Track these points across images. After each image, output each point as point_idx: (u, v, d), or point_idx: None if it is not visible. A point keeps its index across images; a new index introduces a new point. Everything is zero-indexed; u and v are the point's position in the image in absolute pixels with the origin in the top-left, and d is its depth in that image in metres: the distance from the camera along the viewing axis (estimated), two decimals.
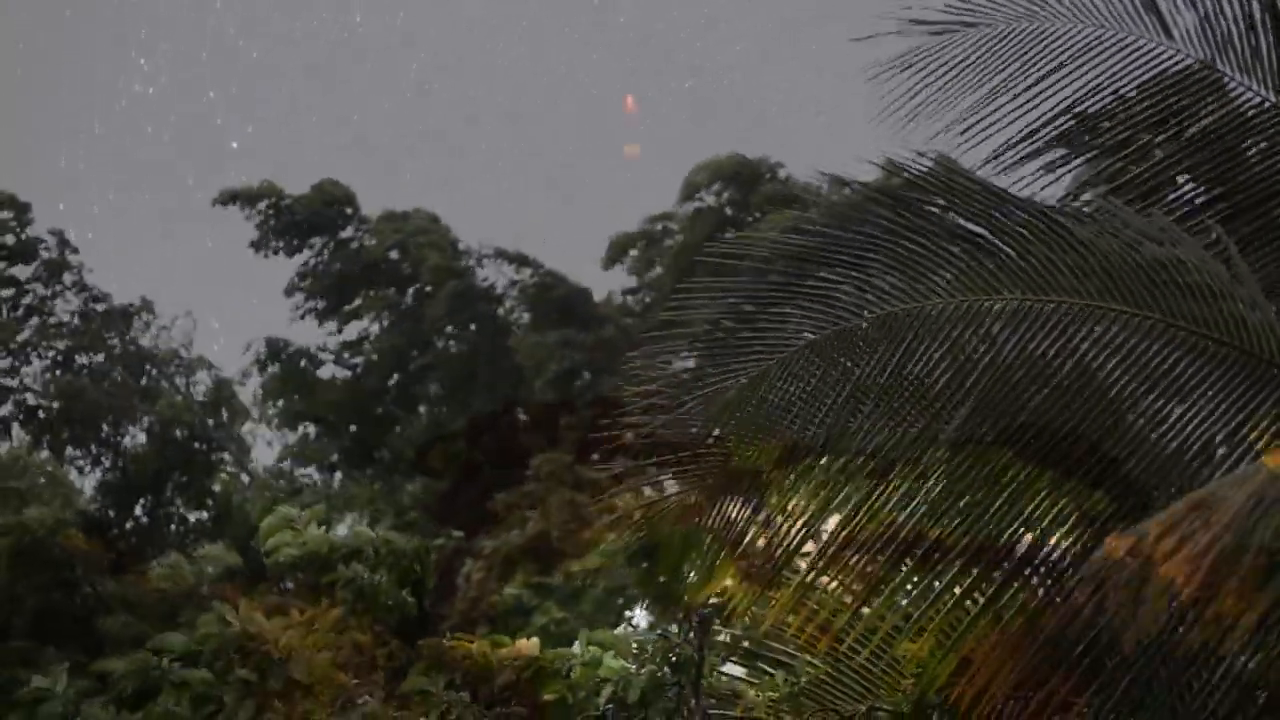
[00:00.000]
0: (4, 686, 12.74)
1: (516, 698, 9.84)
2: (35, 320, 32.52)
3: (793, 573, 5.01)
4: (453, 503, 29.90)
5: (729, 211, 35.69)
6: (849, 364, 4.64)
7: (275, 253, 36.56)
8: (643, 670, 8.61)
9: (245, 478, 33.02)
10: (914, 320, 4.51)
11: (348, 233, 37.24)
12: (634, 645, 9.05)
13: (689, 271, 30.17)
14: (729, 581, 5.37)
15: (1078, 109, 5.37)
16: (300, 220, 36.47)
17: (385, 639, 13.95)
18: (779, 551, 4.98)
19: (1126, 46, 5.35)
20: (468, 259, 36.43)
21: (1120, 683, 4.00)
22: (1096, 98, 5.38)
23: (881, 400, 4.61)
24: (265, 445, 35.96)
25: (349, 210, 37.19)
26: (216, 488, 31.53)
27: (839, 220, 4.83)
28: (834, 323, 4.63)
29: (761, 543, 5.07)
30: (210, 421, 32.50)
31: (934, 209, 4.76)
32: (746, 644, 6.64)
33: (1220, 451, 4.27)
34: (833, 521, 4.84)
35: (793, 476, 4.91)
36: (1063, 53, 5.35)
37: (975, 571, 4.55)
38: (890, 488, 4.66)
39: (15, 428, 30.89)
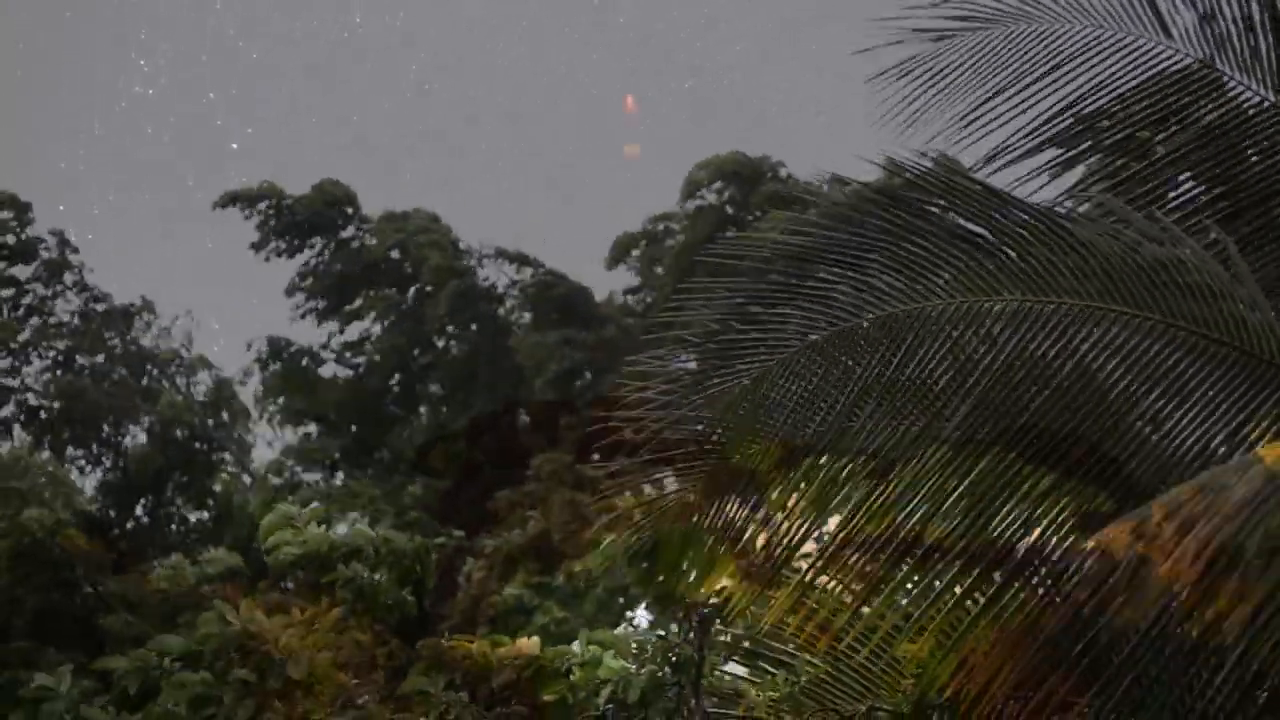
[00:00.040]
0: (6, 687, 12.74)
1: (516, 697, 9.84)
2: (36, 320, 32.53)
3: (793, 572, 5.01)
4: (454, 502, 29.92)
5: (730, 210, 35.70)
6: (850, 363, 4.63)
7: (278, 255, 36.58)
8: (643, 670, 8.61)
9: (246, 478, 33.04)
10: (915, 321, 4.51)
11: (348, 232, 37.25)
12: (634, 645, 9.05)
13: (690, 270, 30.18)
14: (729, 581, 5.37)
15: (1076, 109, 5.38)
16: (301, 220, 36.49)
17: (385, 638, 13.95)
18: (779, 551, 4.98)
19: (1125, 46, 5.36)
20: (469, 259, 36.44)
21: (1122, 682, 4.00)
22: (1095, 98, 5.38)
23: (883, 400, 4.61)
24: (266, 445, 36.00)
25: (350, 210, 37.22)
26: (217, 488, 31.54)
27: (839, 221, 4.82)
28: (835, 323, 4.63)
29: (761, 541, 5.07)
30: (210, 421, 32.50)
31: (934, 209, 4.75)
32: (746, 643, 6.64)
33: (1220, 452, 4.27)
34: (833, 521, 4.84)
35: (793, 476, 4.90)
36: (1061, 53, 5.35)
37: (976, 572, 4.54)
38: (890, 488, 4.66)
39: (16, 428, 30.91)
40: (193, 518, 31.69)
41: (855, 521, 4.72)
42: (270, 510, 13.79)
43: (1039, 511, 4.49)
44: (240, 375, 35.71)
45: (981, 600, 4.52)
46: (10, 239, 32.07)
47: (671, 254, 35.10)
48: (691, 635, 8.00)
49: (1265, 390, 4.21)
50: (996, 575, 4.51)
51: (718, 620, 7.26)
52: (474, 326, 35.81)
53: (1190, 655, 3.90)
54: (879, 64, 5.45)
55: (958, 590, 4.58)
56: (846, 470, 4.75)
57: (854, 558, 4.78)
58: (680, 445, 5.06)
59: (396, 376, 36.54)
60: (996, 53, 5.40)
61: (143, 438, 31.51)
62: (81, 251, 33.01)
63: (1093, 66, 5.35)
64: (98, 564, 16.78)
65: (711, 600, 6.42)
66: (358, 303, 37.00)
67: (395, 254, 36.66)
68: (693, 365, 5.06)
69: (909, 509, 4.62)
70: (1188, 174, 5.26)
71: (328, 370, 37.35)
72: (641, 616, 12.48)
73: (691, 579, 5.39)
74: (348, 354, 37.24)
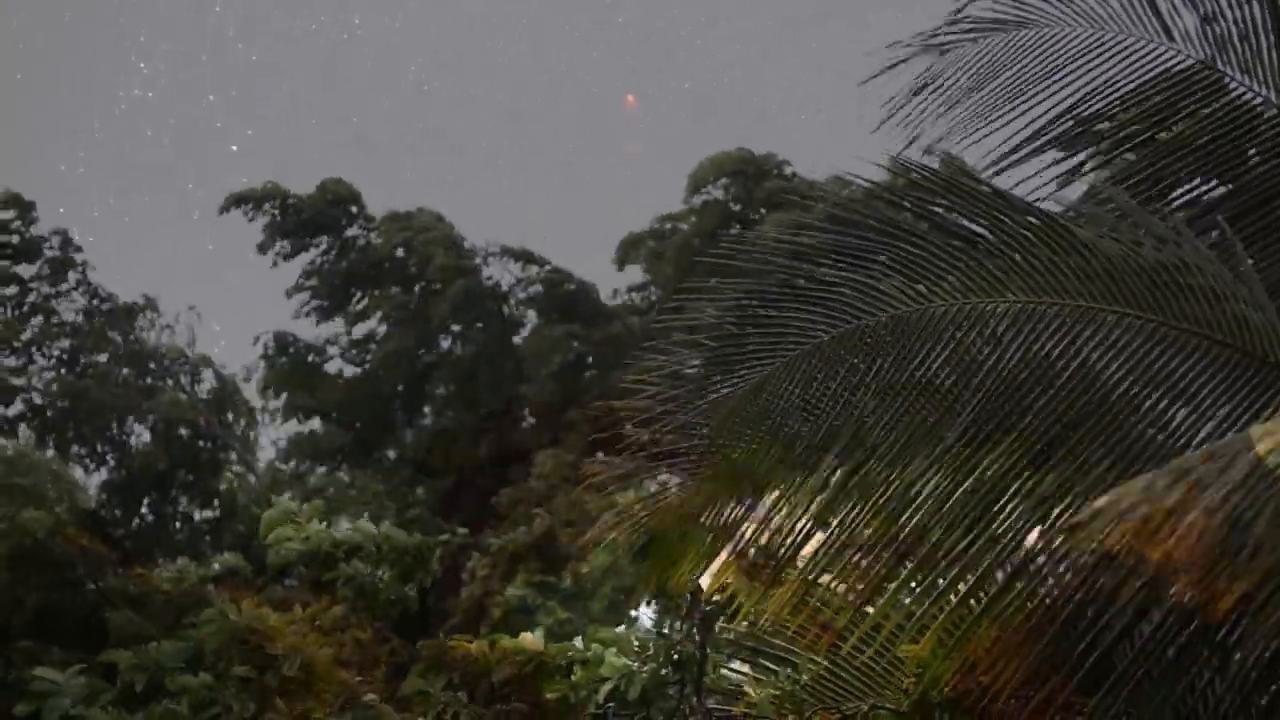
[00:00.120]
0: (12, 685, 12.75)
1: (517, 694, 9.86)
2: (39, 319, 32.56)
3: (794, 571, 5.01)
4: (456, 500, 29.96)
5: (735, 207, 35.70)
6: (856, 362, 4.64)
7: (284, 258, 36.61)
8: (645, 668, 8.62)
9: (252, 478, 33.06)
10: (919, 322, 4.52)
11: (353, 231, 37.28)
12: (636, 643, 9.06)
13: (694, 265, 30.18)
14: (731, 580, 5.37)
15: (1077, 112, 5.38)
16: (306, 220, 36.52)
17: (386, 635, 13.97)
18: (781, 550, 4.98)
19: (1126, 48, 5.36)
20: (474, 257, 36.46)
21: (1125, 685, 3.99)
22: (1096, 100, 5.39)
23: (887, 400, 4.61)
24: (271, 445, 36.05)
25: (354, 209, 37.24)
26: (222, 486, 31.55)
27: (842, 221, 4.83)
28: (839, 325, 4.64)
29: (764, 540, 5.07)
30: (216, 419, 32.52)
31: (938, 209, 4.76)
32: (749, 641, 6.64)
33: None
34: (835, 521, 4.84)
35: (795, 476, 4.90)
36: (1061, 56, 5.36)
37: (978, 571, 4.54)
38: (893, 488, 4.66)
39: (22, 427, 30.94)
40: (197, 516, 31.71)
41: (857, 521, 4.72)
42: (271, 505, 13.81)
43: (1042, 511, 4.49)
44: (244, 373, 35.78)
45: (985, 600, 4.52)
46: (14, 238, 32.08)
47: (675, 246, 35.09)
48: (694, 634, 8.01)
49: (1268, 392, 4.21)
50: (999, 575, 4.51)
51: (720, 619, 7.27)
52: (479, 325, 35.83)
53: (1192, 656, 3.90)
54: (883, 80, 5.48)
55: (961, 588, 4.58)
56: (849, 470, 4.75)
57: (856, 557, 4.78)
58: (683, 446, 5.07)
59: (402, 375, 36.56)
60: (997, 59, 5.41)
61: (147, 436, 31.54)
62: (83, 253, 33.05)
63: (1093, 69, 5.36)
64: (101, 562, 16.79)
65: (714, 599, 6.43)
66: (364, 302, 37.03)
67: (400, 252, 36.69)
68: (697, 363, 5.06)
69: (912, 509, 4.62)
70: (1189, 175, 5.26)
71: (333, 366, 37.43)
72: (645, 615, 12.49)
73: (690, 572, 5.38)
74: (354, 350, 37.29)
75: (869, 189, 4.89)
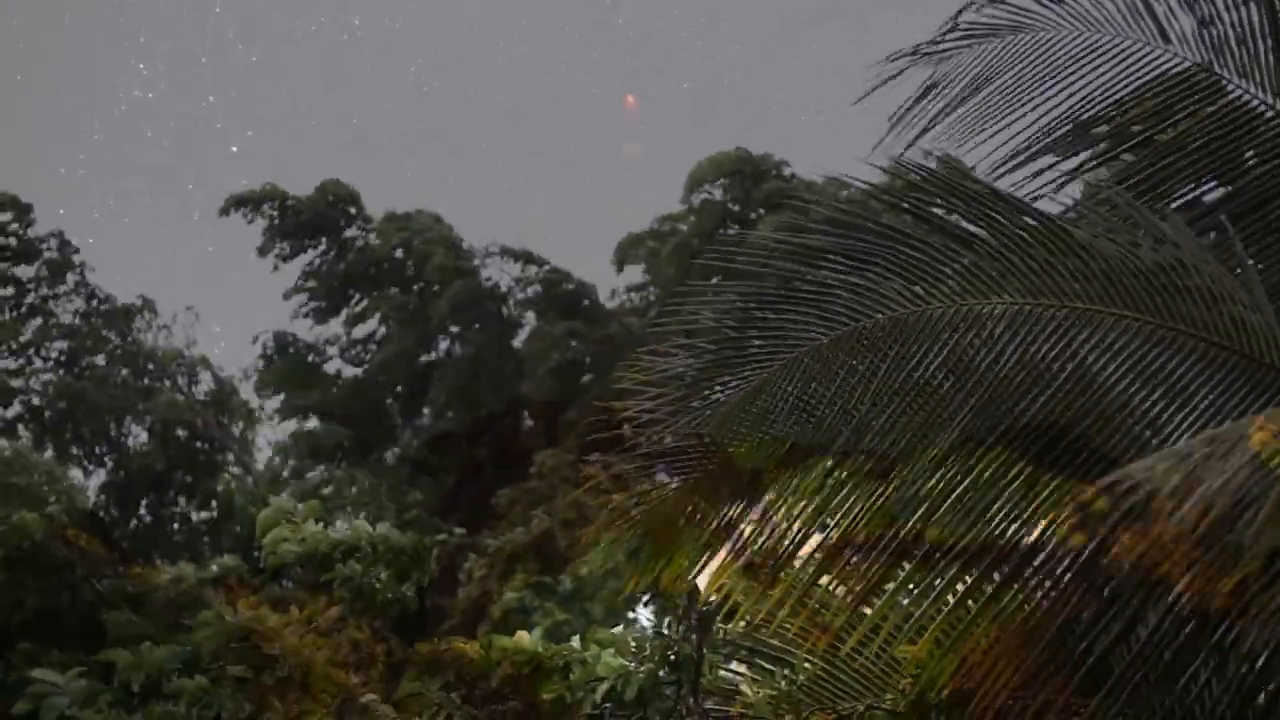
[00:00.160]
0: (12, 687, 12.75)
1: (514, 695, 9.85)
2: (38, 321, 32.55)
3: (791, 571, 5.01)
4: (455, 501, 29.95)
5: (733, 207, 35.73)
6: (854, 364, 4.64)
7: (283, 259, 36.63)
8: (642, 669, 8.61)
9: (249, 479, 33.07)
10: (917, 324, 4.52)
11: (351, 232, 37.30)
12: (632, 643, 9.05)
13: (693, 265, 30.19)
14: (729, 580, 5.37)
15: (1074, 115, 5.39)
16: (304, 221, 36.53)
17: (384, 636, 13.94)
18: (780, 551, 4.98)
19: (1123, 51, 5.37)
20: (472, 258, 36.48)
21: (1124, 687, 3.99)
22: (1093, 104, 5.39)
23: (884, 402, 4.62)
24: (268, 446, 36.06)
25: (353, 210, 37.25)
26: (220, 487, 31.55)
27: (840, 224, 4.83)
28: (836, 327, 4.64)
29: (761, 542, 5.07)
30: (214, 420, 32.52)
31: (937, 211, 4.76)
32: (746, 641, 6.64)
33: None
34: (833, 522, 4.84)
35: (794, 478, 4.91)
36: (1058, 60, 5.36)
37: (975, 572, 4.54)
38: (891, 489, 4.66)
39: (20, 428, 30.93)
40: (195, 517, 31.71)
41: (854, 522, 4.72)
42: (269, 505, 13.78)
43: (1040, 513, 4.49)
44: (243, 374, 35.79)
45: (982, 600, 4.53)
46: (12, 240, 32.08)
47: (674, 246, 35.10)
48: (691, 634, 8.00)
49: (1266, 394, 4.21)
50: (996, 575, 4.51)
51: (717, 619, 7.27)
52: (478, 326, 35.84)
53: (1189, 658, 3.90)
54: (882, 84, 5.48)
55: (959, 589, 4.58)
56: (847, 471, 4.75)
57: (854, 558, 4.78)
58: (680, 447, 5.07)
59: (401, 375, 36.57)
60: (992, 65, 5.42)
61: (144, 437, 31.55)
62: (82, 255, 33.07)
63: (1090, 73, 5.36)
64: (100, 563, 16.77)
65: (711, 599, 6.43)
66: (362, 303, 37.05)
67: (399, 253, 36.70)
68: (695, 364, 5.06)
69: (909, 509, 4.63)
70: (1187, 178, 5.26)
71: (332, 366, 37.45)
72: (643, 616, 12.49)
73: (682, 572, 5.37)
74: (352, 351, 37.29)
75: (867, 190, 4.89)
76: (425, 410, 36.75)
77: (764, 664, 6.36)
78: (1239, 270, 4.69)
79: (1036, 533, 4.48)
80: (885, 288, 4.60)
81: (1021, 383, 4.38)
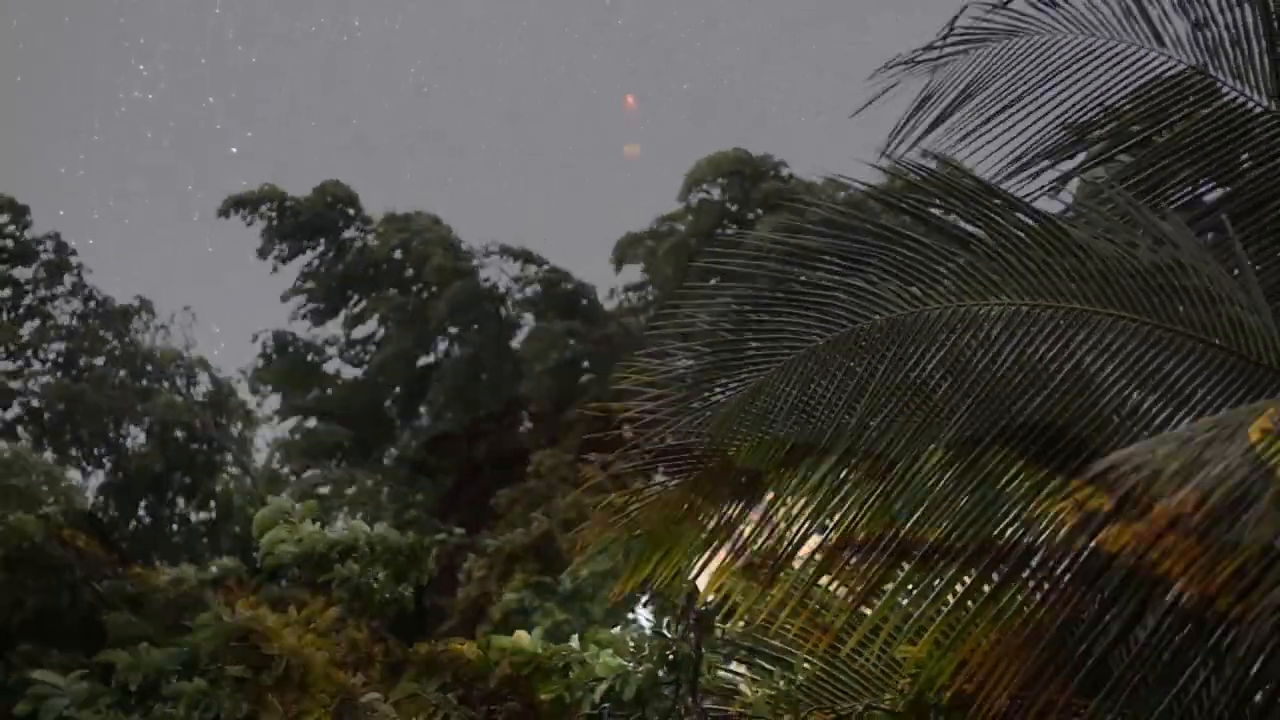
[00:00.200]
0: (13, 689, 12.76)
1: (513, 695, 9.85)
2: (35, 322, 32.53)
3: (790, 572, 5.02)
4: (454, 501, 29.95)
5: (732, 207, 35.74)
6: (852, 365, 4.64)
7: (283, 261, 36.63)
8: (640, 668, 8.61)
9: (248, 480, 33.06)
10: (914, 325, 4.53)
11: (350, 233, 37.30)
12: (631, 643, 9.06)
13: (691, 265, 30.19)
14: (728, 580, 5.37)
15: (1069, 119, 5.39)
16: (303, 222, 36.54)
17: (382, 636, 13.93)
18: (779, 551, 4.98)
19: (1117, 55, 5.37)
20: (471, 259, 36.49)
21: (1123, 689, 4.00)
22: (1087, 107, 5.40)
23: (882, 403, 4.62)
24: (267, 446, 36.05)
25: (351, 211, 37.26)
26: (218, 488, 31.54)
27: (838, 225, 4.84)
28: (834, 328, 4.65)
29: (760, 543, 5.08)
30: (212, 421, 32.52)
31: (935, 211, 4.77)
32: (745, 641, 6.64)
33: None
34: (831, 523, 4.84)
35: (792, 478, 4.91)
36: (1053, 64, 5.37)
37: (974, 572, 4.55)
38: (889, 490, 4.66)
39: (19, 430, 30.91)
40: (194, 518, 31.70)
41: (853, 523, 4.72)
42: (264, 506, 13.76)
43: (1038, 513, 4.49)
44: (240, 375, 35.78)
45: (980, 601, 4.53)
46: (9, 243, 32.06)
47: (672, 246, 35.10)
48: (689, 634, 8.01)
49: (1263, 396, 4.21)
50: (995, 576, 4.52)
51: (716, 619, 7.27)
52: (476, 327, 35.84)
53: (1188, 659, 3.91)
54: (880, 88, 5.51)
55: (958, 589, 4.59)
56: (845, 472, 4.75)
57: (853, 559, 4.78)
58: (678, 448, 5.07)
59: (400, 376, 36.58)
60: (987, 70, 5.43)
61: (143, 439, 31.54)
62: (81, 256, 33.07)
63: (1085, 76, 5.37)
64: (99, 563, 16.77)
65: (710, 599, 6.43)
66: (361, 304, 37.06)
67: (398, 254, 36.70)
68: (693, 365, 5.07)
69: (908, 510, 4.63)
70: (1183, 180, 5.27)
71: (331, 366, 37.47)
72: (643, 616, 12.49)
73: (677, 572, 5.37)
74: (351, 351, 37.30)
75: (865, 191, 4.90)
76: (424, 411, 36.76)
77: (763, 664, 6.37)
78: (1237, 271, 4.69)
79: (1035, 533, 4.48)
80: (882, 289, 4.60)
81: (1019, 384, 4.39)
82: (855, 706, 5.87)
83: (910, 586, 4.69)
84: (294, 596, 15.82)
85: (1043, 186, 5.40)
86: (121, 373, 32.32)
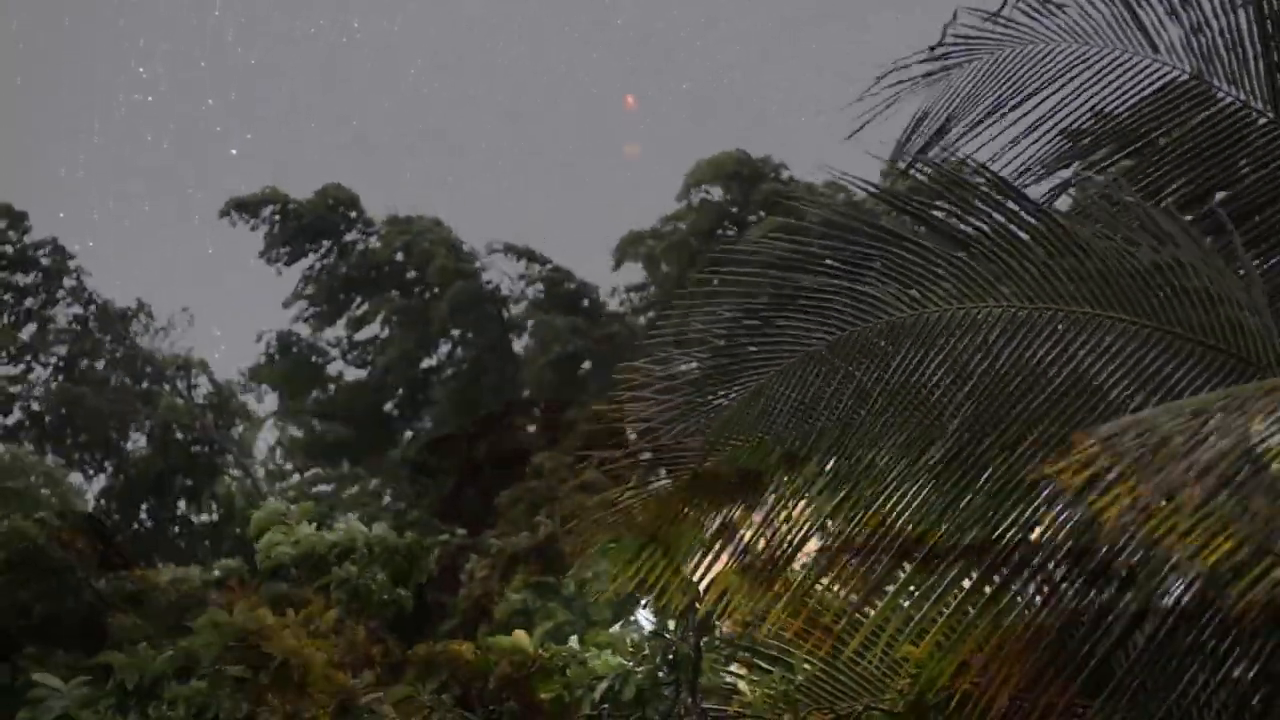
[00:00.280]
0: (18, 691, 12.79)
1: (513, 695, 9.86)
2: (35, 327, 32.55)
3: (793, 573, 5.02)
4: (455, 502, 29.94)
5: (732, 209, 35.75)
6: (851, 369, 4.65)
7: (284, 263, 36.65)
8: (640, 668, 8.63)
9: (249, 481, 33.07)
10: (913, 328, 4.53)
11: (352, 236, 37.31)
12: (630, 644, 9.08)
13: (690, 264, 30.17)
14: (727, 582, 5.38)
15: (1066, 126, 5.40)
16: (305, 225, 36.55)
17: (380, 636, 13.94)
18: (779, 554, 4.99)
19: (1113, 62, 5.38)
20: (473, 260, 36.51)
21: (1124, 692, 4.01)
22: (1083, 114, 5.40)
23: (881, 406, 4.62)
24: (267, 448, 36.07)
25: (353, 214, 37.27)
26: (220, 490, 31.54)
27: (837, 228, 4.84)
28: (833, 332, 4.65)
29: (760, 545, 5.08)
30: (213, 423, 32.53)
31: (937, 214, 4.77)
32: (745, 642, 6.65)
33: None
34: (832, 524, 4.85)
35: (793, 481, 4.92)
36: (1050, 72, 5.37)
37: (975, 574, 4.55)
38: (888, 492, 4.67)
39: (21, 435, 30.92)
40: (195, 520, 31.70)
41: (854, 525, 4.73)
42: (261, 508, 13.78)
43: (1038, 515, 4.49)
44: (241, 377, 35.79)
45: (981, 603, 4.53)
46: (7, 248, 32.07)
47: (672, 245, 35.10)
48: (689, 634, 8.03)
49: None
50: (996, 578, 4.52)
51: (715, 620, 7.28)
52: (478, 329, 35.86)
53: (1188, 663, 3.92)
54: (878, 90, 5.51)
55: (958, 592, 4.59)
56: (845, 475, 4.76)
57: (853, 560, 4.79)
58: (680, 450, 5.08)
59: (402, 377, 36.59)
60: (984, 79, 5.44)
61: (144, 442, 31.54)
62: (81, 258, 33.11)
63: (1081, 84, 5.37)
64: (101, 567, 16.79)
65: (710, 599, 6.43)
66: (363, 307, 37.08)
67: (400, 256, 36.71)
68: (693, 368, 5.07)
69: (907, 513, 4.63)
70: (1180, 186, 5.27)
71: (334, 368, 37.50)
72: (643, 616, 12.51)
73: (672, 572, 5.38)
74: (354, 352, 37.33)
75: (865, 191, 4.90)
76: (426, 410, 36.78)
77: (762, 664, 6.37)
78: (1242, 270, 4.69)
79: (1036, 534, 4.49)
80: (882, 292, 4.60)
81: (1018, 387, 4.39)
82: (855, 707, 5.87)
83: (911, 588, 4.69)
84: (296, 596, 15.84)
85: (1040, 195, 5.41)
86: (122, 376, 32.33)
